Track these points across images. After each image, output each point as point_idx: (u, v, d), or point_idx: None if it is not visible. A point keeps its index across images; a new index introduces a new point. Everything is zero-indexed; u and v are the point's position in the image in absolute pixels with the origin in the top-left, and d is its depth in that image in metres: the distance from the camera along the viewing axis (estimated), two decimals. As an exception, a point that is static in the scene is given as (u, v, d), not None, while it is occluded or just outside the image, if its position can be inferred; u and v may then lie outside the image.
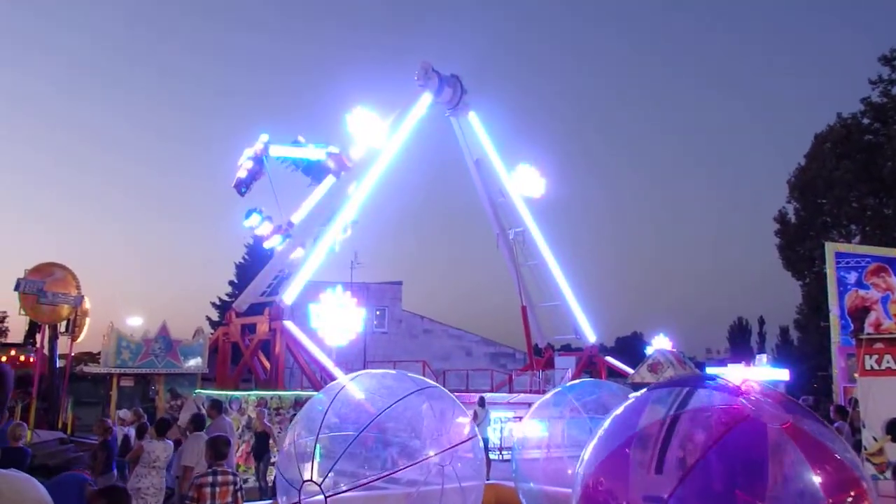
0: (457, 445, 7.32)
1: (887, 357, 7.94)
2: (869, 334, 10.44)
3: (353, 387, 7.90)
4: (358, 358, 33.85)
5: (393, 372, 9.12)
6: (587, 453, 4.10)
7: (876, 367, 8.02)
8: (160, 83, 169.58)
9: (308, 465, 6.94)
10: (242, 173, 24.93)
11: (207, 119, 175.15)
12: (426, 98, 31.48)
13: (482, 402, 18.66)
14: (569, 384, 11.19)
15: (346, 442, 7.22)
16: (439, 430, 7.75)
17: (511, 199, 34.46)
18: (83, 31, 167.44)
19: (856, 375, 9.38)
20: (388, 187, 31.43)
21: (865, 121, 42.01)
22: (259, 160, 25.05)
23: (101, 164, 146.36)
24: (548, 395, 9.87)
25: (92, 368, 21.27)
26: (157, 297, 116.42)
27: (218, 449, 6.85)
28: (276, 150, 26.25)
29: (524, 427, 9.58)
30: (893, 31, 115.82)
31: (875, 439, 7.76)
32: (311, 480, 6.66)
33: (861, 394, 8.57)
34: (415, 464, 7.04)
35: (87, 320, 20.44)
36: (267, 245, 26.18)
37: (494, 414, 22.23)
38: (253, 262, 48.65)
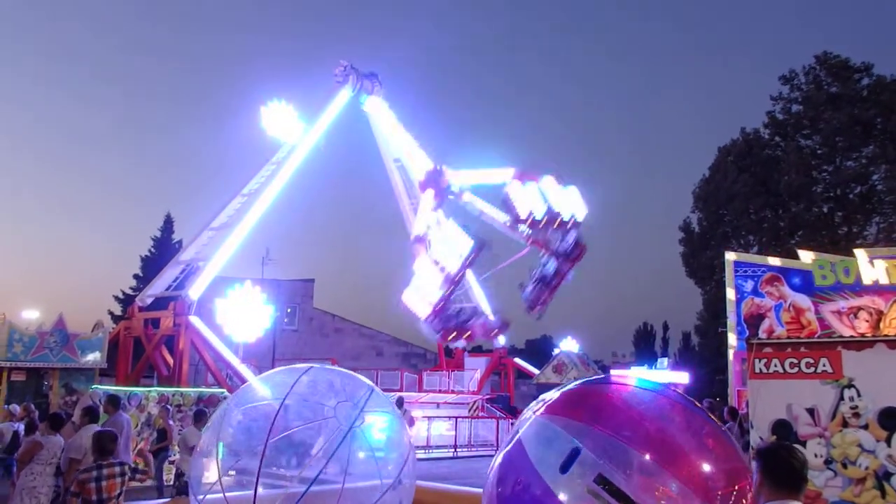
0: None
1: (775, 361, 8.34)
2: (759, 339, 10.97)
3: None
4: (267, 355, 33.24)
5: (338, 370, 8.51)
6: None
7: (765, 370, 8.41)
8: (53, 66, 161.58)
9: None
10: None
11: (120, 102, 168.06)
12: (344, 94, 31.29)
13: (400, 403, 18.56)
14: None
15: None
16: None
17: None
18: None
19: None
20: (303, 184, 31.09)
21: (767, 134, 44.07)
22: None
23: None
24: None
25: (-20, 362, 20.14)
26: (56, 291, 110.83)
27: (102, 444, 6.50)
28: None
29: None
30: (800, 49, 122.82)
31: (762, 439, 8.14)
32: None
33: (751, 396, 8.99)
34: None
35: (-22, 311, 19.38)
36: None
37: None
38: (159, 255, 47.14)
